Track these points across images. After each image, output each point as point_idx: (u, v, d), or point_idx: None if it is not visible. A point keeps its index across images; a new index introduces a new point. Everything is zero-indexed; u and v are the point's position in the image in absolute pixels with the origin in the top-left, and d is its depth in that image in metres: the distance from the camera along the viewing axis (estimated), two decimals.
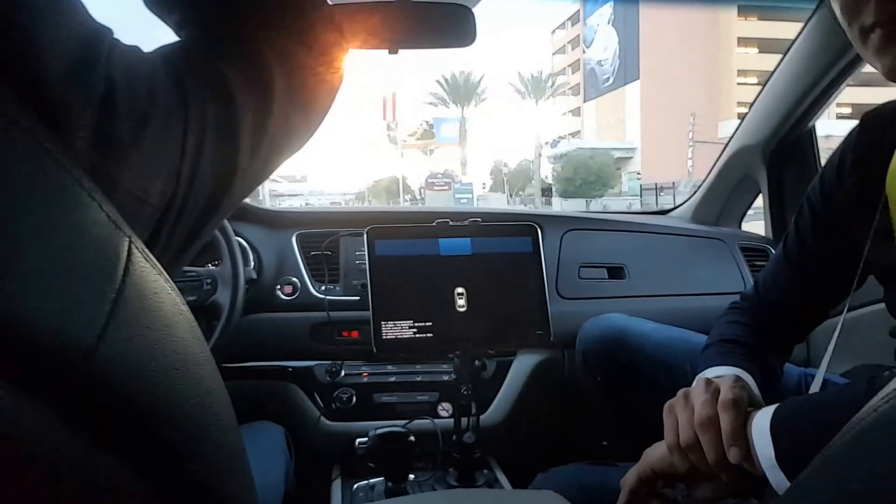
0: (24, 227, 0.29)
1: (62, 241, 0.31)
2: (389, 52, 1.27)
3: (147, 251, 0.38)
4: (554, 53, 54.49)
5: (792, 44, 1.61)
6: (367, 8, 1.25)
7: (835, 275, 0.98)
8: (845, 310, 0.96)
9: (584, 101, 48.63)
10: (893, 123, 0.85)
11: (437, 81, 45.01)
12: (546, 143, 45.86)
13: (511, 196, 42.40)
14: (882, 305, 0.91)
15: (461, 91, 44.45)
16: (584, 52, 46.25)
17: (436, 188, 37.35)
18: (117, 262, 0.34)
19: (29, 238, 0.29)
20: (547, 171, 43.56)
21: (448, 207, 2.04)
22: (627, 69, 41.91)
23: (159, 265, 0.39)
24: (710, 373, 0.92)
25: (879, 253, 0.86)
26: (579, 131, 49.41)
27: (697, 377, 0.93)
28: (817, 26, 1.49)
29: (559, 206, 31.96)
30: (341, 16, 1.21)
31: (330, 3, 1.24)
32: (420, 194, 41.93)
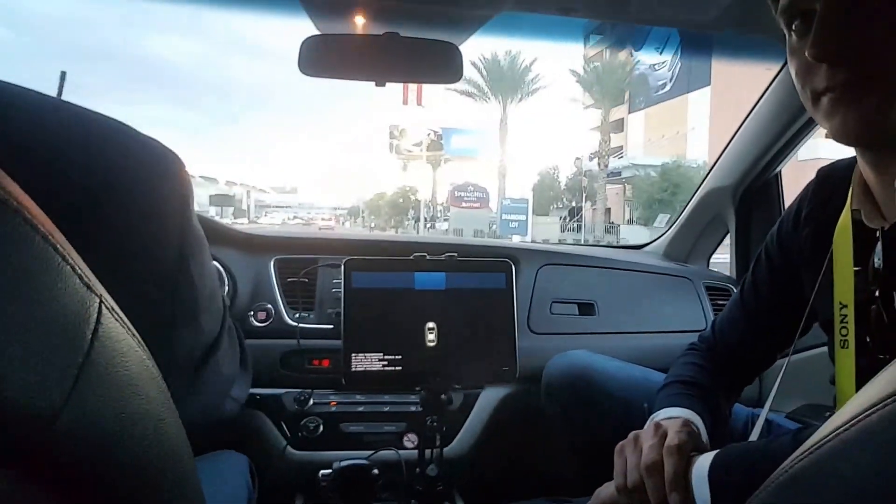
0: None
1: (30, 304, 0.31)
2: (376, 85, 1.32)
3: (117, 309, 0.38)
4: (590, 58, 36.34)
5: (762, 94, 1.68)
6: (355, 40, 1.30)
7: (784, 321, 1.03)
8: (789, 355, 1.01)
9: (630, 112, 37.77)
10: (845, 181, 0.89)
11: (473, 63, 30.75)
12: (593, 157, 36.53)
13: (568, 221, 32.40)
14: (825, 349, 0.96)
15: (505, 79, 31.38)
16: (631, 54, 34.52)
17: (464, 203, 31.48)
18: (87, 323, 0.34)
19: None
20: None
21: (440, 238, 2.05)
22: (692, 73, 32.18)
23: (128, 322, 0.40)
24: (663, 413, 0.97)
25: (823, 304, 0.90)
26: (622, 147, 38.40)
27: (651, 417, 0.98)
28: (784, 81, 1.56)
29: (647, 236, 21.09)
30: (331, 46, 1.26)
31: (319, 33, 1.30)
32: (440, 211, 36.71)
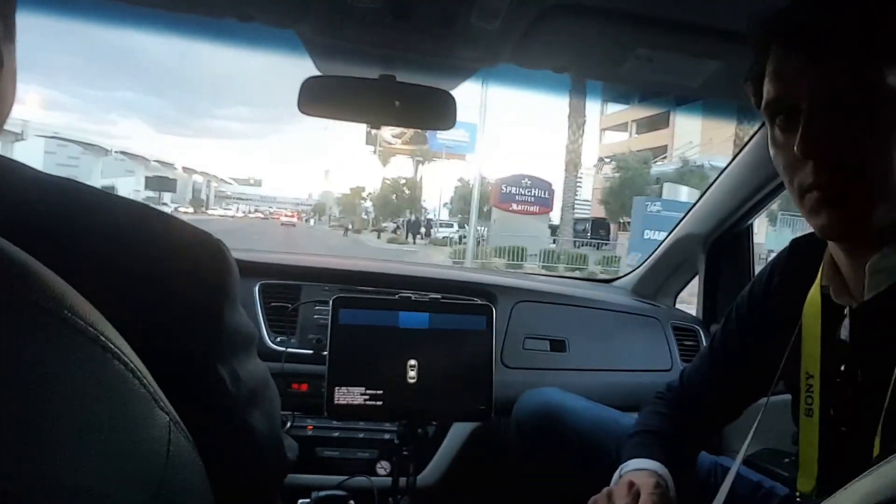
0: (76, 408, 0.31)
1: (117, 432, 0.33)
2: (371, 128, 1.36)
3: (181, 423, 0.41)
4: None
5: (741, 149, 1.78)
6: (353, 82, 1.34)
7: (752, 379, 1.07)
8: (760, 414, 1.02)
9: (678, 107, 30.70)
10: (816, 256, 0.92)
11: None
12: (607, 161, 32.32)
13: None
14: (789, 396, 1.00)
15: None
16: None
17: (516, 206, 21.02)
18: (161, 443, 0.37)
19: (84, 418, 0.31)
20: None
21: (422, 271, 2.03)
22: None
23: (188, 432, 0.42)
24: (632, 464, 1.02)
25: (790, 371, 0.95)
26: (665, 146, 34.25)
27: (621, 468, 1.03)
28: (761, 142, 1.64)
29: None
30: (329, 89, 1.29)
31: (320, 74, 1.33)
32: (437, 215, 33.68)
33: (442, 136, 30.37)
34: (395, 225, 37.32)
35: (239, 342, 0.61)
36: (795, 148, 0.73)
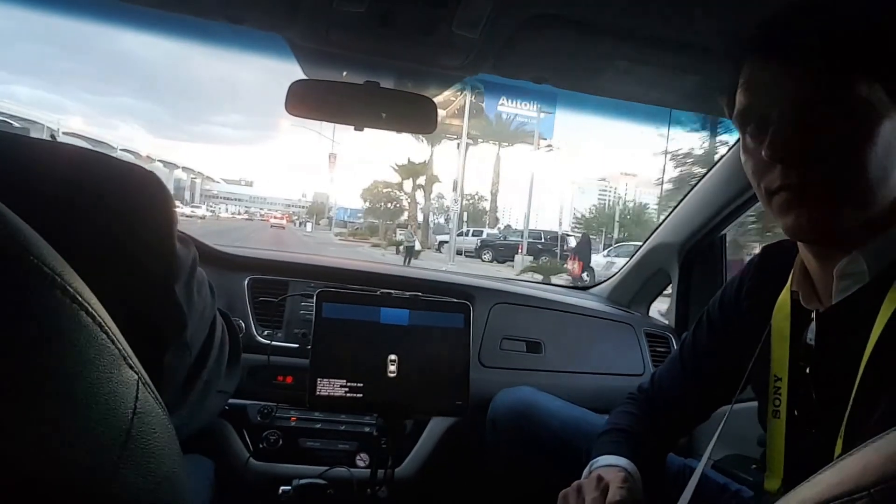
0: (45, 361, 0.32)
1: (87, 385, 0.34)
2: (356, 129, 1.40)
3: (150, 383, 0.43)
4: None
5: (716, 162, 1.83)
6: (338, 87, 1.38)
7: (721, 382, 1.09)
8: (726, 414, 1.04)
9: None
10: (787, 262, 0.94)
11: None
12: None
13: None
14: (755, 403, 1.02)
15: None
16: None
17: None
18: (129, 401, 0.38)
19: (52, 371, 0.32)
20: None
21: (405, 271, 2.12)
22: None
23: (157, 392, 0.44)
24: (602, 461, 1.04)
25: (758, 374, 0.98)
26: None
27: (591, 463, 1.06)
28: (735, 155, 1.69)
29: None
30: (315, 91, 1.33)
31: (306, 78, 1.37)
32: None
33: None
34: (499, 234, 26.81)
35: (185, 266, 0.72)
36: (763, 152, 0.77)
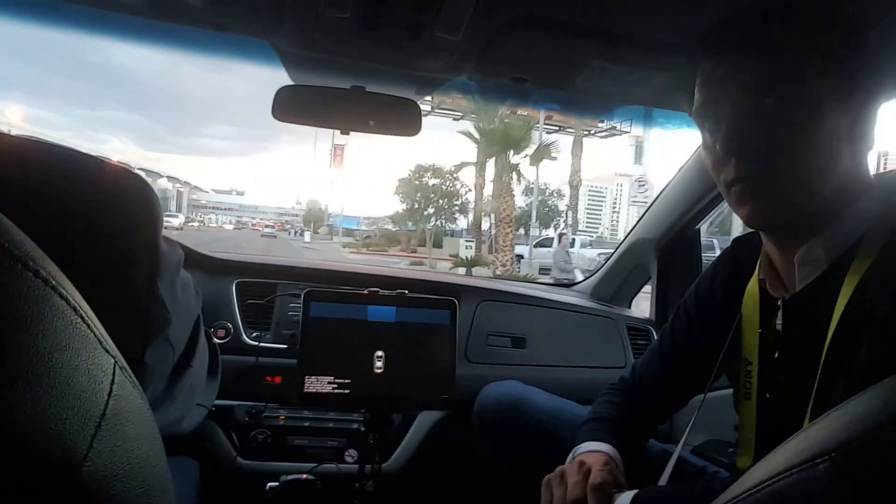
0: (16, 342, 0.32)
1: (59, 368, 0.33)
2: (342, 133, 1.43)
3: (127, 368, 0.42)
4: None
5: (689, 158, 1.87)
6: (324, 92, 1.40)
7: (697, 370, 1.12)
8: (701, 400, 1.10)
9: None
10: (755, 252, 0.98)
11: None
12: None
13: None
14: (731, 390, 1.05)
15: None
16: None
17: None
18: (104, 385, 0.38)
19: (24, 352, 0.32)
20: None
21: (390, 271, 2.16)
22: None
23: (134, 377, 0.44)
24: (585, 447, 1.07)
25: (731, 360, 1.02)
26: None
27: (574, 450, 1.09)
28: None
29: None
30: (302, 96, 1.36)
31: (293, 83, 1.39)
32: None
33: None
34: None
35: (170, 264, 0.73)
36: (718, 146, 0.82)
